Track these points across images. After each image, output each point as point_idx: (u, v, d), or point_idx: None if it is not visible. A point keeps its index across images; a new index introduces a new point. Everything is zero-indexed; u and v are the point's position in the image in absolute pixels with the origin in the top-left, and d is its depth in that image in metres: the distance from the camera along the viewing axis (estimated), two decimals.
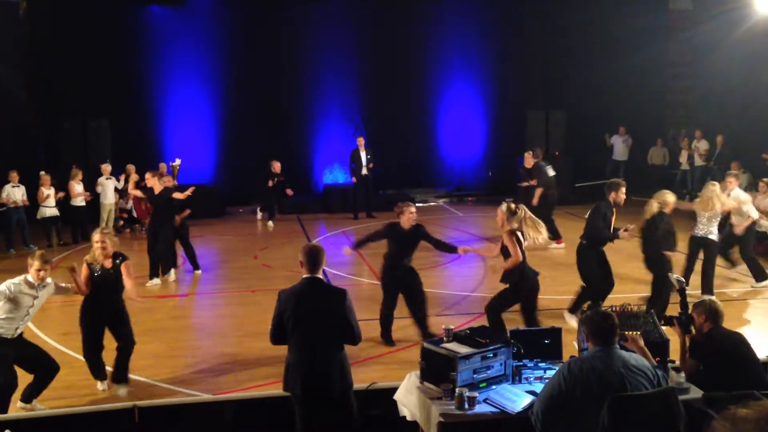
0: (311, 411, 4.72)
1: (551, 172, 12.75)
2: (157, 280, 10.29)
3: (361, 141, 15.72)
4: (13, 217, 12.54)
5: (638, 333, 4.78)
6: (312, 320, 4.65)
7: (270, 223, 15.21)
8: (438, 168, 18.86)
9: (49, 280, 6.16)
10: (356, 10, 17.55)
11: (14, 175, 12.65)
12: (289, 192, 15.22)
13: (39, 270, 5.97)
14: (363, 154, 15.52)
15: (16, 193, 12.57)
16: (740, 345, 4.93)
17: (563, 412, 3.92)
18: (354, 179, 15.65)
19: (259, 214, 15.85)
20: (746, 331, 7.61)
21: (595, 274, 7.92)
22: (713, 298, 5.44)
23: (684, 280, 5.60)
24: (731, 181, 9.73)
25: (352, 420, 4.80)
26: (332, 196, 16.83)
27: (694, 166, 16.38)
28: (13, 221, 12.56)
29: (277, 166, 15.19)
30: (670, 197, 8.21)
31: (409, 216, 7.40)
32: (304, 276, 4.76)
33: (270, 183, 15.03)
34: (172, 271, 10.59)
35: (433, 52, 18.14)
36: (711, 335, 4.95)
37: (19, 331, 5.97)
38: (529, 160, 12.91)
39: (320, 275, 4.79)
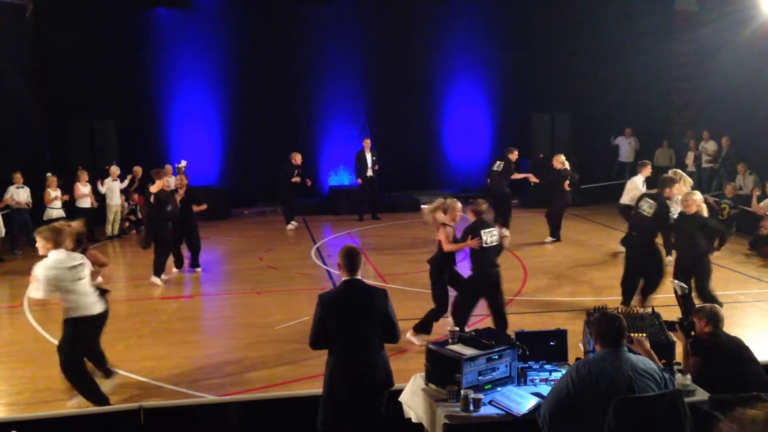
0: (349, 412, 4.68)
1: (494, 168, 13.60)
2: (156, 279, 10.37)
3: (367, 143, 15.72)
4: (16, 218, 12.56)
5: (644, 335, 4.78)
6: (357, 321, 4.64)
7: (290, 226, 14.80)
8: (443, 170, 18.83)
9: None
10: (362, 12, 17.55)
11: (18, 176, 12.66)
12: (309, 182, 14.96)
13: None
14: (368, 156, 15.52)
15: (21, 194, 12.59)
16: (741, 347, 4.97)
17: (571, 414, 3.91)
18: (359, 181, 15.66)
19: (292, 225, 14.96)
20: (750, 334, 7.60)
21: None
22: (714, 304, 5.45)
23: (686, 287, 5.61)
24: (646, 171, 11.23)
25: (380, 417, 4.78)
26: (338, 197, 16.83)
27: (701, 168, 16.30)
28: (17, 223, 12.58)
29: (298, 158, 14.82)
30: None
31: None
32: (344, 279, 4.75)
33: (296, 180, 14.68)
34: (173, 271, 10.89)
35: (439, 53, 18.13)
36: (713, 334, 4.99)
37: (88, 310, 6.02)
38: (557, 163, 13.00)
39: (359, 276, 4.78)
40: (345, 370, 4.61)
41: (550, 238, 13.05)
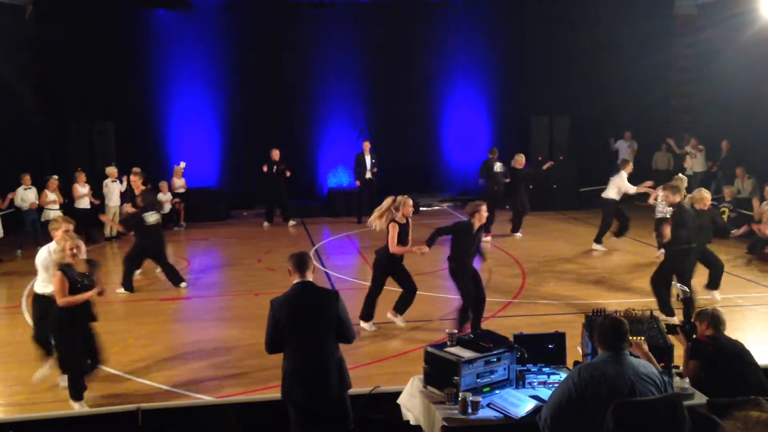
0: (310, 414, 4.71)
1: (498, 169, 13.96)
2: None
3: (366, 145, 15.73)
4: (28, 218, 12.62)
5: (642, 338, 4.78)
6: (309, 323, 4.66)
7: (292, 222, 15.33)
8: (442, 172, 18.84)
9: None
10: (360, 15, 17.56)
11: (27, 178, 12.72)
12: (287, 174, 15.24)
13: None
14: (368, 158, 15.53)
15: (29, 196, 12.63)
16: (741, 350, 4.97)
17: (572, 418, 3.91)
18: (358, 183, 15.66)
19: (266, 224, 15.48)
20: (749, 337, 7.60)
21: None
22: (716, 307, 5.45)
23: (689, 290, 5.60)
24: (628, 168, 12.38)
25: (348, 421, 4.80)
26: (336, 199, 16.83)
27: (696, 172, 16.29)
28: (28, 223, 12.63)
29: (275, 154, 15.24)
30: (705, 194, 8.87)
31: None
32: (295, 281, 4.78)
33: (265, 169, 15.03)
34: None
35: (438, 56, 18.14)
36: (714, 337, 4.99)
37: None
38: (517, 164, 13.81)
39: (311, 278, 4.81)
40: (298, 372, 4.63)
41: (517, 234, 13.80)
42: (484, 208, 7.69)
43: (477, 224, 7.65)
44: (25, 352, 7.69)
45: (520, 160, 13.75)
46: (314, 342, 4.65)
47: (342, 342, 4.78)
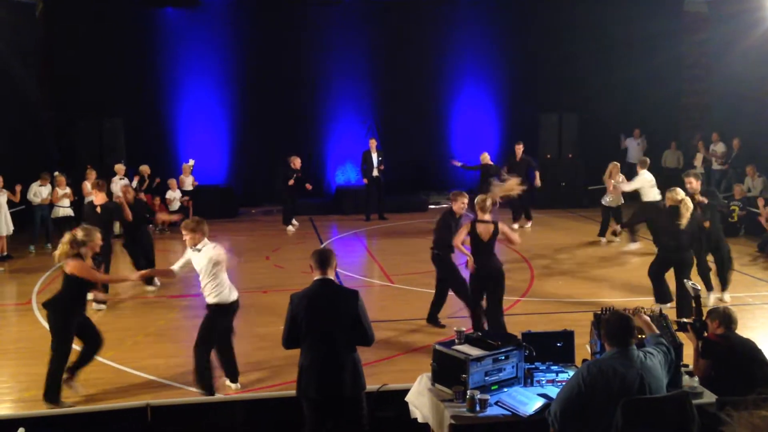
0: (324, 413, 4.72)
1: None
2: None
3: (373, 143, 15.73)
4: (38, 214, 12.73)
5: (642, 308, 4.87)
6: (325, 322, 4.65)
7: (290, 227, 14.68)
8: (450, 170, 18.78)
9: (201, 244, 6.33)
10: (369, 12, 17.55)
11: (46, 178, 12.86)
12: (309, 186, 14.80)
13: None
14: (374, 156, 15.52)
15: (43, 192, 12.76)
16: (753, 349, 4.94)
17: (582, 413, 3.92)
18: (365, 180, 15.66)
19: (292, 227, 14.81)
20: (758, 336, 7.56)
21: None
22: (727, 305, 5.43)
23: (699, 288, 5.58)
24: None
25: (362, 422, 4.80)
26: (345, 197, 16.83)
27: (711, 169, 16.19)
28: (38, 219, 12.74)
29: (297, 162, 14.76)
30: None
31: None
32: (316, 278, 4.77)
33: (291, 182, 14.55)
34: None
35: (446, 54, 18.10)
36: (725, 336, 4.96)
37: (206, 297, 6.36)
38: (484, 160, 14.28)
39: (332, 276, 4.80)
40: (312, 369, 4.63)
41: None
42: (461, 197, 8.17)
43: (458, 212, 8.10)
44: (35, 348, 7.74)
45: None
46: (329, 340, 4.64)
47: (359, 344, 4.75)
